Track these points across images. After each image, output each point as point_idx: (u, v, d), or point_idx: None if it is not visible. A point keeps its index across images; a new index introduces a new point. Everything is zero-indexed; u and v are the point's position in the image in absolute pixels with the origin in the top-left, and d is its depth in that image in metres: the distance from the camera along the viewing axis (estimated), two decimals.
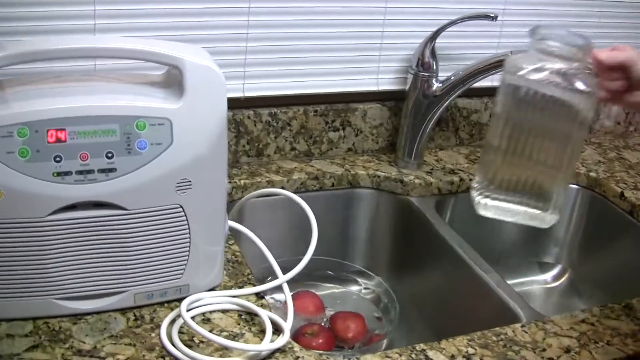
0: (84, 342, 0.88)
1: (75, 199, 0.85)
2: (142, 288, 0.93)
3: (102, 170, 0.84)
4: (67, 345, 0.87)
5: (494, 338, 0.95)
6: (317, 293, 1.32)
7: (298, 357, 0.89)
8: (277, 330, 0.93)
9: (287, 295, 1.01)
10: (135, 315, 0.93)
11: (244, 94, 1.29)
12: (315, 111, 1.36)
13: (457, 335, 0.95)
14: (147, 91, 0.89)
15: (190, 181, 0.89)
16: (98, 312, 0.93)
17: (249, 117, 1.31)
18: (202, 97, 0.87)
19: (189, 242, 0.92)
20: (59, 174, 0.83)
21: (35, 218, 0.84)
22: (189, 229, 0.92)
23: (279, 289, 1.03)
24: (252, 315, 0.95)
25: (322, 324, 1.25)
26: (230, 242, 1.11)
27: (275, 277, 1.03)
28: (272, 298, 1.29)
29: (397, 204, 1.36)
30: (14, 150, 0.81)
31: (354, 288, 1.37)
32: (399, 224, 1.37)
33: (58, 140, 0.83)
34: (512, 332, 0.96)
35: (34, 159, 0.82)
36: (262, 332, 0.92)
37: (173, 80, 0.90)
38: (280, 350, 0.90)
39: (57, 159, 0.83)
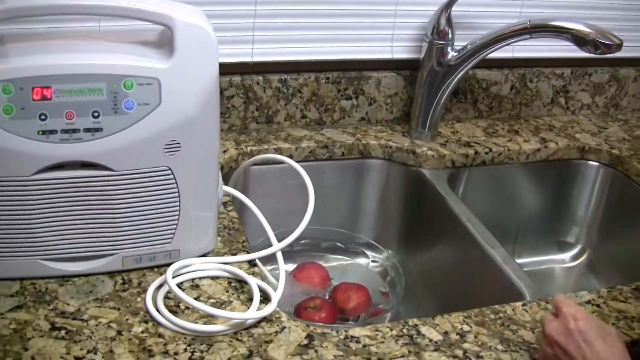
0: (68, 304, 0.87)
1: (60, 158, 0.83)
2: (130, 252, 0.91)
3: (87, 130, 0.83)
4: (51, 307, 0.86)
5: (492, 316, 0.92)
6: (325, 265, 1.30)
7: (285, 327, 0.87)
8: (267, 299, 0.90)
9: (280, 264, 0.99)
10: (123, 279, 0.92)
11: (252, 58, 1.27)
12: (327, 78, 1.32)
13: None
14: (138, 50, 0.86)
15: (179, 143, 0.87)
16: (86, 275, 0.92)
17: (258, 83, 1.28)
18: (192, 57, 0.85)
19: (179, 206, 0.91)
20: (44, 132, 0.81)
21: (20, 177, 0.83)
22: (178, 192, 0.90)
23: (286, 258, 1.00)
24: (242, 283, 0.93)
25: (327, 296, 1.23)
26: (229, 209, 1.09)
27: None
28: (276, 270, 1.28)
29: (409, 176, 1.33)
30: None
31: (362, 261, 1.34)
32: (410, 196, 1.34)
33: (43, 98, 0.81)
34: (511, 311, 0.93)
35: (19, 117, 0.80)
36: (251, 300, 0.90)
37: (166, 40, 0.87)
38: (267, 319, 0.88)
39: (42, 117, 0.81)
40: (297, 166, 1.04)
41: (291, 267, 1.28)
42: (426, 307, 1.27)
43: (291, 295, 1.21)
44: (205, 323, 0.86)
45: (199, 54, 0.85)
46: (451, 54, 1.25)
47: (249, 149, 1.26)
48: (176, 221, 0.92)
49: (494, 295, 1.07)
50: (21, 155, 0.82)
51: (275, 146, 1.27)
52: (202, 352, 0.81)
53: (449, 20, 1.24)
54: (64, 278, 0.91)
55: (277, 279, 1.18)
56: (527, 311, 0.93)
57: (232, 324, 0.85)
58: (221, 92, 1.27)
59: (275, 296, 0.89)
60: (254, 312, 0.86)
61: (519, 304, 0.94)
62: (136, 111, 0.84)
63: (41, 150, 0.82)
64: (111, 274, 0.93)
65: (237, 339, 0.84)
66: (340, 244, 1.35)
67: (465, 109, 1.43)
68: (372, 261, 1.34)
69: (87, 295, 0.89)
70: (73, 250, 0.89)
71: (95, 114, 0.82)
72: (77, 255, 0.90)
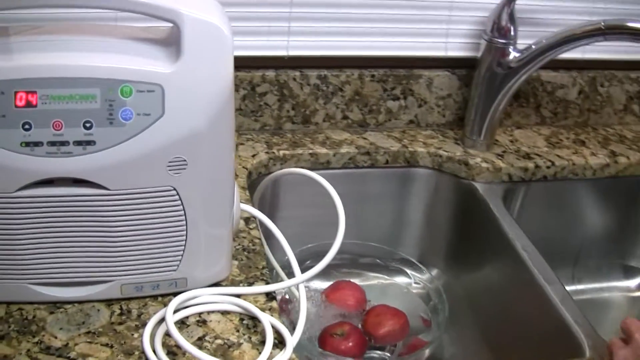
0: (56, 337, 0.76)
1: (46, 174, 0.72)
2: (130, 279, 0.80)
3: (78, 143, 0.71)
4: (36, 340, 0.76)
5: None
6: (361, 283, 1.18)
7: None
8: (282, 342, 0.78)
9: (302, 300, 0.86)
10: (121, 308, 0.81)
11: (287, 52, 1.14)
12: (372, 76, 1.19)
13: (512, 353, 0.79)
14: (142, 50, 0.74)
15: (185, 160, 0.74)
16: (80, 302, 0.81)
17: (294, 79, 1.15)
18: (202, 60, 0.72)
19: (185, 230, 0.79)
20: (27, 144, 0.70)
21: (3, 193, 0.72)
22: (184, 215, 0.78)
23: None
24: (256, 320, 0.81)
25: (360, 318, 1.10)
26: (251, 226, 0.97)
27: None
28: (307, 287, 1.15)
29: (459, 189, 1.19)
30: None
31: (403, 281, 1.21)
32: (460, 212, 1.20)
33: (28, 104, 0.69)
34: None
35: (0, 125, 0.69)
36: (264, 343, 0.77)
37: (174, 38, 0.75)
38: None
39: (26, 126, 0.70)
40: (324, 182, 0.91)
41: (325, 284, 1.16)
42: (470, 339, 1.13)
43: (320, 317, 1.09)
44: None
45: (210, 57, 0.72)
46: (513, 54, 1.10)
47: (281, 152, 1.14)
48: (182, 247, 0.80)
49: (548, 338, 0.93)
50: (2, 169, 0.71)
51: (310, 151, 1.15)
52: None
53: (511, 16, 1.09)
54: (56, 304, 0.80)
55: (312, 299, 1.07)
56: None
57: None
58: (253, 89, 1.14)
59: (291, 342, 0.77)
60: None
61: None
62: (135, 123, 0.71)
63: (25, 164, 0.71)
64: (108, 302, 0.81)
65: None
66: (379, 261, 1.22)
67: (526, 114, 1.28)
68: (415, 282, 1.21)
69: (78, 327, 0.78)
70: (65, 275, 0.78)
71: (88, 125, 0.71)
72: (69, 281, 0.79)
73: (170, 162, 0.74)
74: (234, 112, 0.77)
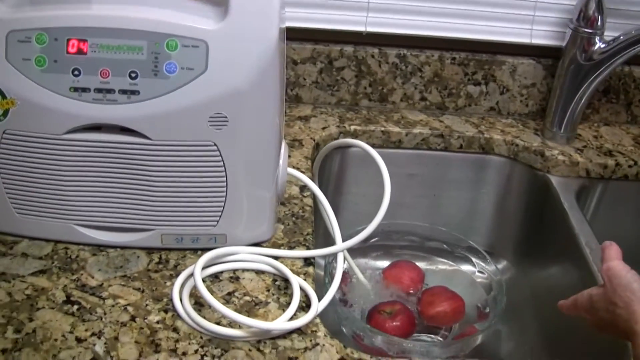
0: (93, 277, 0.80)
1: (92, 119, 0.75)
2: (170, 229, 0.83)
3: (123, 91, 0.74)
4: (74, 277, 0.80)
5: None
6: (426, 267, 1.16)
7: (317, 344, 0.75)
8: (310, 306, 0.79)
9: (338, 265, 0.86)
10: (160, 258, 0.84)
11: (366, 28, 1.13)
12: (453, 59, 1.16)
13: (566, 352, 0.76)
14: (191, 7, 0.76)
15: (226, 117, 0.76)
16: (123, 247, 0.84)
17: (372, 56, 1.15)
18: (248, 20, 0.73)
19: (225, 187, 0.80)
20: (76, 89, 0.74)
21: (51, 135, 0.76)
22: (225, 171, 0.79)
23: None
24: (289, 283, 0.82)
25: (415, 299, 1.09)
26: (305, 194, 0.97)
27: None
28: (364, 265, 1.15)
29: (533, 182, 1.15)
30: (31, 57, 0.73)
31: (467, 269, 1.18)
32: (532, 205, 1.16)
33: (79, 51, 0.73)
34: None
35: (51, 70, 0.73)
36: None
37: None
38: (302, 331, 0.76)
39: (76, 72, 0.73)
40: (375, 154, 0.90)
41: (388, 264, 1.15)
42: (528, 336, 1.09)
43: (376, 295, 1.09)
44: (229, 324, 0.75)
45: (256, 18, 0.74)
46: (599, 44, 1.05)
47: (352, 128, 1.14)
48: (222, 203, 0.81)
49: (602, 343, 0.89)
50: (52, 111, 0.75)
51: (383, 128, 1.14)
52: (213, 357, 0.71)
53: (599, 5, 1.04)
54: (99, 247, 0.84)
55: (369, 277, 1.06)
56: None
57: (255, 331, 0.74)
58: (331, 62, 1.15)
59: (315, 306, 0.77)
60: (281, 323, 0.75)
61: None
62: (178, 76, 0.74)
63: (72, 108, 0.74)
64: (149, 250, 0.84)
65: (258, 349, 0.73)
66: (446, 247, 1.20)
67: (616, 111, 1.22)
68: (479, 271, 1.17)
69: (115, 270, 0.81)
70: (108, 220, 0.82)
71: (133, 75, 0.74)
72: (112, 226, 0.83)
73: (211, 117, 0.76)
74: (282, 75, 0.78)
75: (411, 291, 1.09)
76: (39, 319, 0.74)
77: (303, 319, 0.75)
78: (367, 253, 1.18)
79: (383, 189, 0.88)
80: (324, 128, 1.12)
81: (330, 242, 0.91)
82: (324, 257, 0.90)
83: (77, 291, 0.78)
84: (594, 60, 1.06)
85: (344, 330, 0.99)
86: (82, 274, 0.80)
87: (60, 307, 0.75)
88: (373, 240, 1.17)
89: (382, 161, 0.89)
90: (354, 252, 1.06)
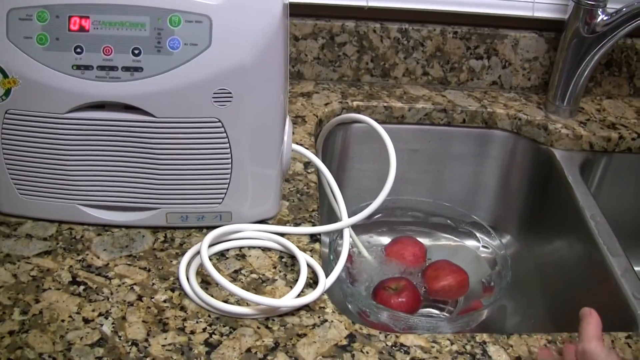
0: (99, 257, 0.79)
1: (95, 97, 0.74)
2: (175, 208, 0.82)
3: (126, 68, 0.73)
4: (79, 257, 0.79)
5: None
6: (430, 243, 1.15)
7: (326, 320, 0.74)
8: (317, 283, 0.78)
9: (345, 242, 0.86)
10: (165, 237, 0.83)
11: (367, 2, 1.12)
12: (455, 33, 1.15)
13: (573, 331, 0.76)
14: None
15: (230, 93, 0.75)
16: (127, 227, 0.84)
17: (374, 31, 1.14)
18: None
19: (230, 163, 0.80)
20: (78, 67, 0.73)
21: (54, 114, 0.75)
22: (230, 148, 0.78)
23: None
24: (295, 260, 0.81)
25: (419, 276, 1.08)
26: (309, 170, 0.97)
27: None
28: (368, 242, 1.15)
29: (537, 155, 1.14)
30: (32, 35, 0.72)
31: (472, 244, 1.18)
32: (536, 179, 1.15)
33: (81, 28, 0.72)
34: (610, 342, 0.75)
35: (53, 48, 0.72)
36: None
37: None
38: (309, 307, 0.76)
39: (78, 50, 0.72)
40: (380, 129, 0.89)
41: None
42: (534, 310, 1.09)
43: (379, 271, 1.08)
44: (237, 302, 0.75)
45: None
46: (601, 17, 1.04)
47: (355, 103, 1.13)
48: (227, 180, 0.81)
49: (606, 313, 0.88)
50: (54, 90, 0.74)
51: (385, 104, 1.13)
52: (221, 335, 0.71)
53: None
54: (104, 227, 0.83)
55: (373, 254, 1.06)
56: (630, 346, 0.75)
57: (263, 309, 0.73)
58: (332, 38, 1.14)
59: (323, 283, 0.77)
60: (289, 299, 0.74)
61: (622, 335, 0.76)
62: (182, 52, 0.73)
63: (75, 86, 0.73)
64: (154, 229, 0.84)
65: (267, 327, 0.73)
66: (450, 222, 1.19)
67: (618, 84, 1.21)
68: (483, 246, 1.17)
69: (121, 249, 0.81)
70: (112, 199, 0.81)
71: (136, 52, 0.73)
72: (117, 205, 0.82)
73: (215, 93, 0.75)
74: (285, 50, 0.77)
75: (415, 266, 1.09)
76: (45, 300, 0.73)
77: (311, 296, 0.75)
78: (370, 230, 1.17)
79: (389, 164, 0.87)
80: (326, 104, 1.12)
81: (334, 219, 0.90)
82: (329, 233, 0.89)
83: (82, 271, 0.77)
84: (596, 33, 1.05)
85: (350, 307, 0.98)
86: (87, 254, 0.80)
87: (66, 287, 0.75)
88: (376, 216, 1.16)
89: (387, 136, 0.88)
90: (357, 229, 1.05)
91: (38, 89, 0.74)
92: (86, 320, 0.71)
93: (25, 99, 0.74)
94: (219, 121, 0.76)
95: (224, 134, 0.77)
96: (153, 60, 0.73)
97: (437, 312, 1.07)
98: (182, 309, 0.74)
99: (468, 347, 0.73)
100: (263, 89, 0.77)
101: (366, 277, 1.07)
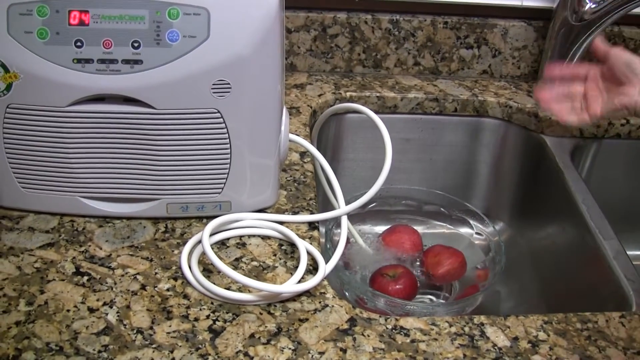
0: (101, 248, 0.80)
1: (96, 90, 0.75)
2: (175, 198, 0.83)
3: (126, 61, 0.74)
4: (82, 249, 0.80)
5: (579, 325, 0.76)
6: (424, 231, 1.17)
7: (327, 305, 0.76)
8: (317, 269, 0.80)
9: (343, 230, 0.87)
10: (166, 227, 0.84)
11: None
12: (445, 23, 1.17)
13: (566, 312, 0.78)
14: None
15: (228, 84, 0.76)
16: (128, 218, 0.85)
17: (365, 22, 1.15)
18: None
19: (229, 153, 0.81)
20: (79, 60, 0.74)
21: (55, 107, 0.76)
22: (229, 138, 0.80)
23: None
24: (294, 247, 0.83)
25: (417, 262, 1.10)
26: (305, 160, 0.98)
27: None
28: (361, 229, 1.17)
29: (528, 142, 1.16)
30: (32, 30, 0.73)
31: (465, 231, 1.20)
32: (527, 166, 1.17)
33: (81, 22, 0.73)
34: (604, 322, 0.77)
35: (53, 42, 0.73)
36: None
37: None
38: (310, 293, 0.77)
39: (78, 44, 0.73)
40: (376, 117, 0.90)
41: (386, 228, 1.16)
42: (528, 294, 1.11)
43: (377, 259, 1.10)
44: (239, 289, 0.76)
45: None
46: (589, 4, 1.06)
47: (348, 94, 1.14)
48: (227, 170, 0.82)
49: (599, 295, 0.91)
50: (55, 84, 0.75)
51: (378, 94, 1.15)
52: (224, 321, 0.72)
53: None
54: (105, 219, 0.84)
55: (368, 243, 1.07)
56: (624, 325, 0.77)
57: (265, 295, 0.75)
58: (324, 30, 1.15)
59: (323, 269, 0.78)
60: (290, 285, 0.76)
61: (616, 314, 0.78)
62: (181, 44, 0.74)
63: (75, 80, 0.74)
64: (155, 220, 0.85)
65: (269, 312, 0.74)
66: (444, 210, 1.21)
67: None
68: (477, 233, 1.19)
69: (123, 240, 0.82)
70: (113, 191, 0.82)
71: (136, 45, 0.74)
72: (118, 197, 0.83)
73: (214, 84, 0.76)
74: (282, 42, 0.79)
75: (410, 254, 1.11)
76: (50, 291, 0.74)
77: (312, 281, 0.76)
78: (365, 219, 1.19)
79: (384, 152, 0.88)
80: (320, 95, 1.13)
81: (328, 208, 0.91)
82: (325, 223, 0.90)
83: (86, 262, 0.78)
84: (584, 21, 1.07)
85: (347, 294, 1.00)
86: (89, 246, 0.81)
87: (70, 278, 0.76)
88: (371, 205, 1.18)
89: (383, 124, 0.89)
90: (351, 218, 1.06)
91: (39, 83, 0.75)
92: (91, 310, 0.72)
93: (26, 93, 0.75)
94: (218, 112, 0.78)
95: (223, 125, 0.79)
96: (152, 53, 0.74)
97: (433, 298, 1.09)
98: (185, 297, 0.75)
99: (466, 329, 0.74)
100: (261, 79, 0.78)
101: (363, 265, 1.08)
